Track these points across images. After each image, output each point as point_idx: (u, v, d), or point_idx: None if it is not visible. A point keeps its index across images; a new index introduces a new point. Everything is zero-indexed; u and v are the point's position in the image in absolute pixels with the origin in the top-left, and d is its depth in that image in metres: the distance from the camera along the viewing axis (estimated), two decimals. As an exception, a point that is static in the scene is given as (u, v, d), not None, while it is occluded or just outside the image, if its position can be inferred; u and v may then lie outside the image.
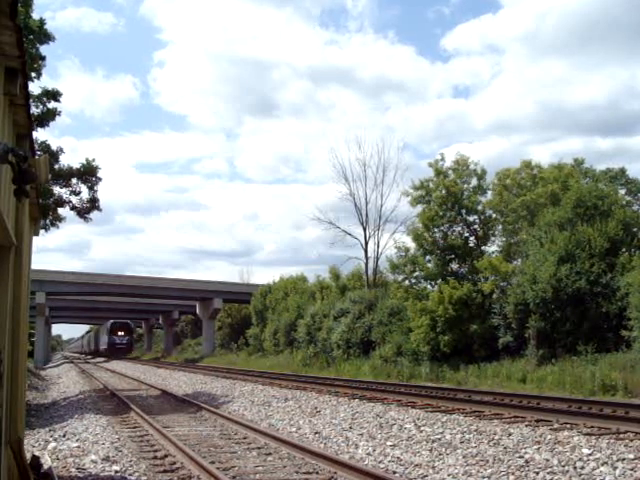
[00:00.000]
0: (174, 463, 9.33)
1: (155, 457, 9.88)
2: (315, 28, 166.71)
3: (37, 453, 9.34)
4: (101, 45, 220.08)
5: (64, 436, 12.02)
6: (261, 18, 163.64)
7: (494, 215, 29.21)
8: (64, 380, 34.80)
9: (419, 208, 29.03)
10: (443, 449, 9.31)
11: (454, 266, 28.32)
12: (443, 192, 27.94)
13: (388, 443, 10.14)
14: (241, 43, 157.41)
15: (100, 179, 21.39)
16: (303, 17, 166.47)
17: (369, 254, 39.04)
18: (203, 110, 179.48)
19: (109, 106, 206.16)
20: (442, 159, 28.85)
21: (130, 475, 8.55)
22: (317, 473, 8.51)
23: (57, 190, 20.95)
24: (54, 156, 19.96)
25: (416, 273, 28.91)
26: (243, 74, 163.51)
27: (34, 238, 8.93)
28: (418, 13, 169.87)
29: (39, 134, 25.40)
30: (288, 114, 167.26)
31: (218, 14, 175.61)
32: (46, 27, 17.96)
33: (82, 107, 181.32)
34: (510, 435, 9.67)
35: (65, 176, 20.69)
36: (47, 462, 8.89)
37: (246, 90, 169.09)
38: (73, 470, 8.87)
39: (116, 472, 8.72)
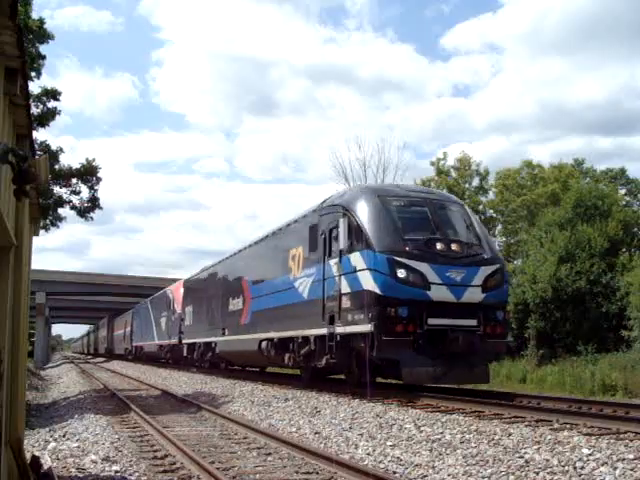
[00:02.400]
0: (174, 463, 9.33)
1: (155, 457, 9.87)
2: (314, 26, 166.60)
3: (37, 453, 9.34)
4: (99, 44, 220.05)
5: (64, 436, 12.02)
6: (260, 16, 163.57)
7: (494, 215, 29.25)
8: (64, 380, 34.79)
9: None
10: (443, 449, 9.30)
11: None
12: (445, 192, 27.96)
13: (388, 443, 10.14)
14: (240, 41, 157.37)
15: (100, 179, 21.44)
16: (302, 15, 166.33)
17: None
18: (202, 109, 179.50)
19: (108, 105, 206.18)
20: (444, 158, 28.81)
21: (130, 475, 8.55)
22: (317, 473, 8.51)
23: (57, 190, 20.97)
24: (54, 156, 19.97)
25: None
26: (242, 73, 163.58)
27: (34, 238, 8.94)
28: (417, 11, 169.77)
29: (39, 134, 25.41)
30: (287, 113, 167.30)
31: (217, 12, 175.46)
32: (45, 26, 17.99)
33: (81, 106, 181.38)
34: (510, 435, 9.66)
35: (65, 176, 20.71)
36: (47, 462, 8.89)
37: (245, 89, 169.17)
38: (73, 470, 8.86)
39: (116, 472, 8.72)
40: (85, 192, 21.30)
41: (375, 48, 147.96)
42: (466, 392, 16.70)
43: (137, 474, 8.58)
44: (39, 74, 18.67)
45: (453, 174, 28.57)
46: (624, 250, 22.21)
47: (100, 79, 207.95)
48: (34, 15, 17.62)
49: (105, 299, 75.69)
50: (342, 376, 17.54)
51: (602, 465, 7.56)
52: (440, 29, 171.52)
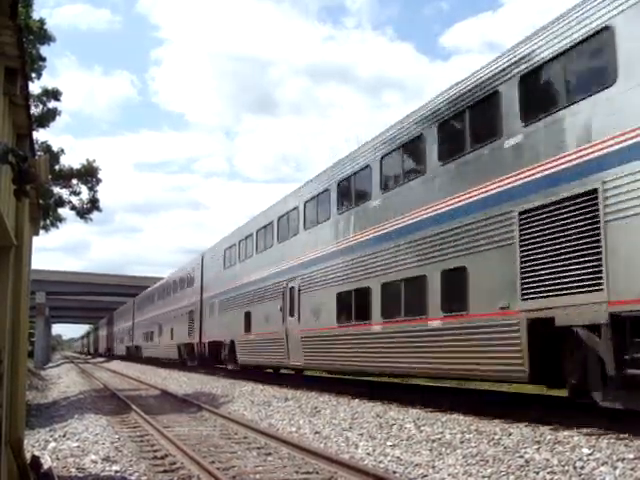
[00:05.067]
0: (174, 463, 9.33)
1: (155, 457, 9.88)
2: (314, 23, 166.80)
3: (37, 453, 9.35)
4: (98, 42, 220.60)
5: (64, 436, 12.02)
6: (259, 15, 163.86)
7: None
8: (64, 380, 34.81)
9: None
10: (443, 449, 9.31)
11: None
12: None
13: (388, 443, 10.14)
14: (239, 40, 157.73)
15: (100, 180, 21.49)
16: (302, 14, 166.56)
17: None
18: (201, 108, 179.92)
19: (107, 104, 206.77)
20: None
21: (130, 475, 8.55)
22: (317, 473, 8.51)
23: (57, 190, 21.01)
24: (55, 157, 20.01)
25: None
26: (241, 71, 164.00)
27: (34, 238, 8.95)
28: (417, 10, 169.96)
29: (39, 134, 25.51)
30: (287, 112, 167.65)
31: (215, 11, 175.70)
32: (45, 27, 18.02)
33: (80, 104, 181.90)
34: (510, 435, 9.67)
35: (65, 177, 20.75)
36: (47, 462, 8.90)
37: (245, 88, 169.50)
38: (73, 470, 8.87)
39: (116, 472, 8.72)
40: (85, 193, 21.38)
41: (375, 46, 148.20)
42: (466, 391, 16.71)
43: (137, 474, 8.58)
44: (39, 75, 18.70)
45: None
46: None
47: (99, 77, 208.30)
48: (34, 15, 17.67)
49: (105, 299, 75.80)
50: None
51: (602, 465, 7.57)
52: (440, 28, 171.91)
